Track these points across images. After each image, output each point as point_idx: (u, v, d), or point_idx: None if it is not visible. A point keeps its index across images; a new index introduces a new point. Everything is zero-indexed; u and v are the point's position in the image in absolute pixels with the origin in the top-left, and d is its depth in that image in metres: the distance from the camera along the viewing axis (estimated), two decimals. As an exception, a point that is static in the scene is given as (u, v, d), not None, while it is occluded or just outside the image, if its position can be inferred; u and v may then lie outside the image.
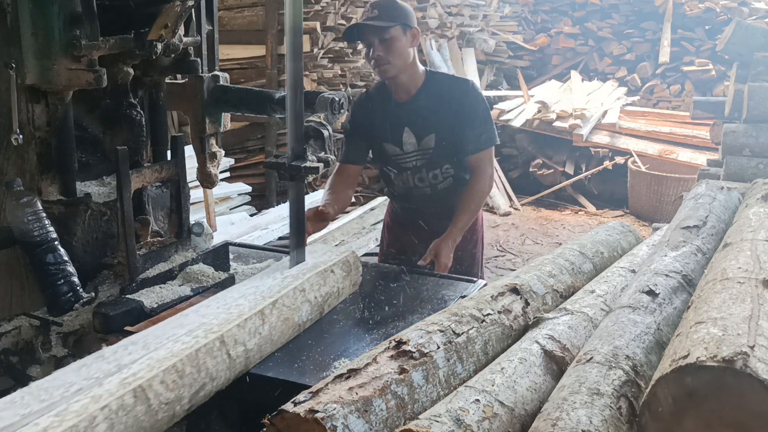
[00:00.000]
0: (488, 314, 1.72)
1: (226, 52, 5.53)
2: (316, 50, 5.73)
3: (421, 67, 2.77)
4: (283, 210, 5.07)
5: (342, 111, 2.11)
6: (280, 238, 4.69)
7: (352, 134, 2.87)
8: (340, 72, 6.14)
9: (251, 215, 5.30)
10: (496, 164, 2.78)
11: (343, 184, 2.82)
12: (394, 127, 2.76)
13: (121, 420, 1.27)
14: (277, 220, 4.91)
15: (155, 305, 1.92)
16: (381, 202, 5.38)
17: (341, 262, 2.16)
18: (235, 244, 2.64)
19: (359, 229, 4.50)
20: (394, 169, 2.83)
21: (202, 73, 2.17)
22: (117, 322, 1.81)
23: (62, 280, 1.85)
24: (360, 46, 2.93)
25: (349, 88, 6.24)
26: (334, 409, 1.28)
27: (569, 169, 7.34)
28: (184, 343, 1.51)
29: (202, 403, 1.54)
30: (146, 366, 1.39)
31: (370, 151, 2.89)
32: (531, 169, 7.53)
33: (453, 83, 2.82)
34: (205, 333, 1.57)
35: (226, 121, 2.28)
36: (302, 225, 2.19)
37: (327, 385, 1.38)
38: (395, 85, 2.75)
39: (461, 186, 2.79)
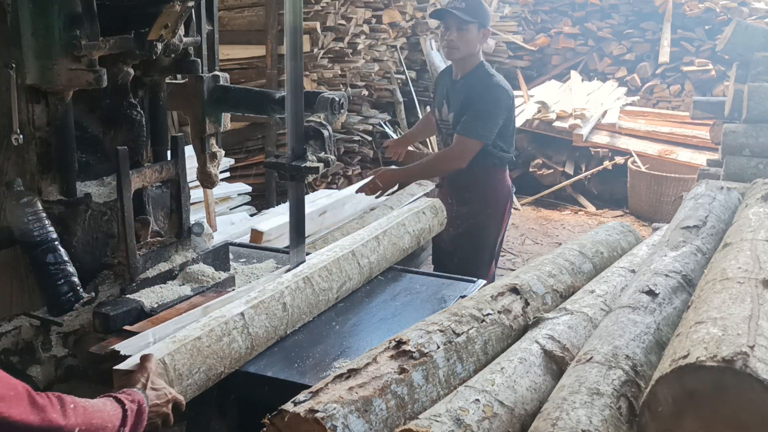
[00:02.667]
0: (488, 314, 1.72)
1: (226, 52, 5.53)
2: (316, 50, 5.72)
3: (479, 59, 3.25)
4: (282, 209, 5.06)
5: (342, 111, 2.11)
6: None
7: (434, 94, 3.54)
8: (340, 72, 6.13)
9: (251, 215, 5.30)
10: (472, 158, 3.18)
11: (421, 125, 3.65)
12: (440, 98, 3.38)
13: (297, 295, 1.99)
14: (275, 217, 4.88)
15: (155, 305, 1.92)
16: (382, 202, 5.36)
17: (430, 206, 2.79)
18: (235, 244, 2.64)
19: (357, 230, 4.50)
20: (439, 131, 3.47)
21: (202, 73, 2.17)
22: (117, 322, 1.81)
23: (62, 280, 1.84)
24: (441, 28, 3.34)
25: (349, 88, 6.24)
26: (334, 408, 1.28)
27: (569, 169, 7.33)
28: (329, 255, 2.21)
29: (345, 296, 2.21)
30: (307, 267, 2.13)
31: None
32: (531, 169, 7.53)
33: (486, 79, 3.21)
34: (341, 249, 2.27)
35: (226, 121, 2.28)
36: (302, 225, 2.19)
37: (327, 385, 1.38)
38: (456, 66, 3.30)
39: (470, 165, 3.17)
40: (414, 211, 2.69)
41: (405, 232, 2.56)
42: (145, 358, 1.54)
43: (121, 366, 1.55)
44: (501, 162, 3.28)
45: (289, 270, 2.15)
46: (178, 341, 1.63)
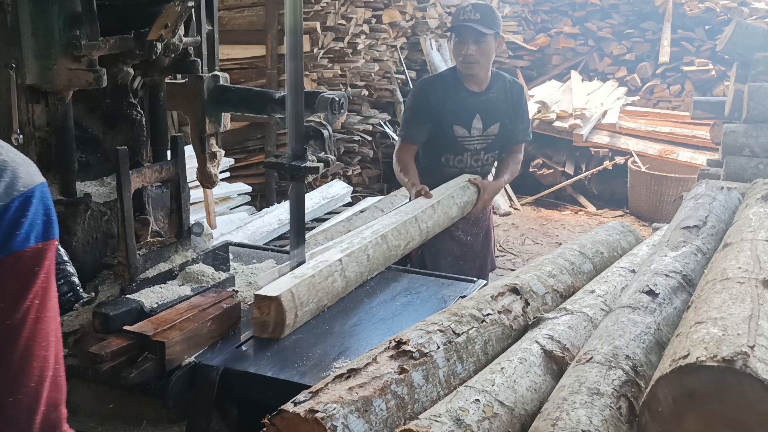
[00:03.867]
0: (488, 314, 1.72)
1: (226, 52, 5.53)
2: (316, 50, 5.72)
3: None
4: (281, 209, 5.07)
5: (342, 111, 2.12)
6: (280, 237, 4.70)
7: (417, 115, 3.19)
8: (340, 72, 6.13)
9: (251, 215, 5.30)
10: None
11: (410, 162, 3.20)
12: (466, 113, 3.14)
13: (377, 249, 2.37)
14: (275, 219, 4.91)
15: (155, 305, 1.92)
16: (372, 204, 5.37)
17: (473, 183, 3.13)
18: (235, 244, 2.64)
19: (344, 232, 4.52)
20: (456, 150, 3.19)
21: (202, 73, 2.17)
22: (117, 322, 1.81)
23: (62, 280, 1.84)
24: (452, 40, 3.20)
25: (349, 88, 6.24)
26: (334, 409, 1.28)
27: (569, 169, 7.33)
28: (397, 218, 2.62)
29: (408, 252, 2.68)
30: (382, 227, 2.51)
31: (430, 132, 3.18)
32: (531, 169, 7.53)
33: (513, 83, 3.29)
34: (405, 214, 2.68)
35: (226, 121, 2.28)
36: (302, 225, 2.19)
37: (327, 385, 1.38)
38: (470, 78, 3.15)
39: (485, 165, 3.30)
40: (460, 186, 3.06)
41: (453, 203, 2.96)
42: None
43: (260, 292, 1.95)
44: None
45: (292, 268, 2.16)
46: (298, 277, 2.02)
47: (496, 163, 3.44)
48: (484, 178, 3.26)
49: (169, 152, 2.22)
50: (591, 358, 1.44)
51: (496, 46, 3.12)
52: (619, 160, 7.13)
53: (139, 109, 2.14)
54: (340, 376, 1.40)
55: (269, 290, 1.94)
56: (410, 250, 2.65)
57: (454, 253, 3.19)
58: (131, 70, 2.03)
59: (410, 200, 3.00)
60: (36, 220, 1.00)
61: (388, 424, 1.34)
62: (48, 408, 1.02)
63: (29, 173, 1.01)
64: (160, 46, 1.95)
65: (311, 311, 2.03)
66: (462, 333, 1.61)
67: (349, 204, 5.71)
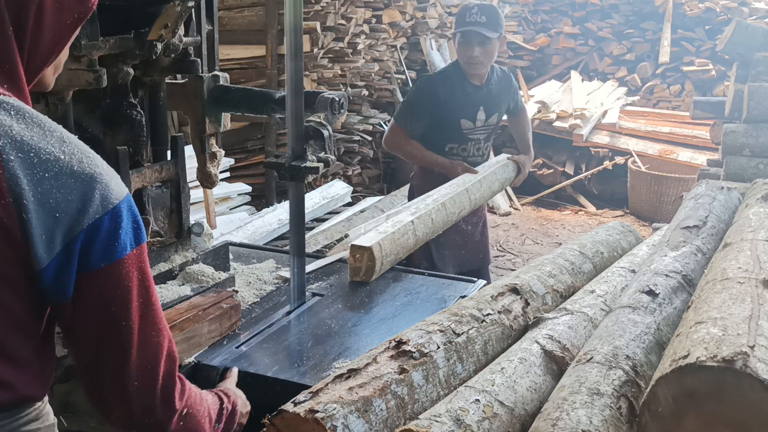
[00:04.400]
0: (488, 314, 1.72)
1: (226, 52, 5.53)
2: (316, 50, 5.72)
3: None
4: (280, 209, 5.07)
5: (342, 111, 2.11)
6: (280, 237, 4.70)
7: (419, 110, 3.31)
8: (340, 72, 6.13)
9: (251, 215, 5.30)
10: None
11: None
12: (471, 106, 3.31)
13: (438, 214, 2.82)
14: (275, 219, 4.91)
15: (155, 305, 1.92)
16: (372, 203, 5.37)
17: (512, 162, 3.58)
18: (235, 244, 2.64)
19: (344, 232, 4.53)
20: (460, 141, 3.34)
21: (202, 73, 2.16)
22: (117, 322, 1.80)
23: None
24: (456, 39, 3.29)
25: (349, 88, 6.24)
26: (334, 409, 1.28)
27: (569, 169, 7.33)
28: (450, 190, 3.02)
29: (463, 216, 3.12)
30: (441, 195, 2.95)
31: (431, 126, 3.31)
32: (531, 169, 7.52)
33: (505, 72, 3.50)
34: (458, 186, 3.07)
35: (226, 121, 2.28)
36: (302, 225, 2.19)
37: (327, 385, 1.38)
38: (474, 74, 3.29)
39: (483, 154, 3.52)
40: (501, 164, 3.48)
41: (496, 179, 3.37)
42: (228, 372, 1.68)
43: (356, 242, 2.33)
44: None
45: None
46: (382, 232, 2.42)
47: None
48: (484, 161, 3.46)
49: (169, 152, 2.21)
50: (591, 358, 1.44)
51: (500, 45, 3.25)
52: (619, 160, 7.13)
53: (139, 109, 2.14)
54: (340, 376, 1.40)
55: (363, 241, 2.33)
56: (462, 217, 3.05)
57: (456, 243, 3.33)
58: (131, 70, 2.03)
59: (450, 179, 3.19)
60: (128, 228, 1.09)
61: (388, 424, 1.34)
62: (165, 378, 1.19)
63: (118, 185, 1.09)
64: (160, 46, 1.95)
65: (391, 261, 2.43)
66: (462, 333, 1.61)
67: (349, 204, 5.72)
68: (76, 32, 1.17)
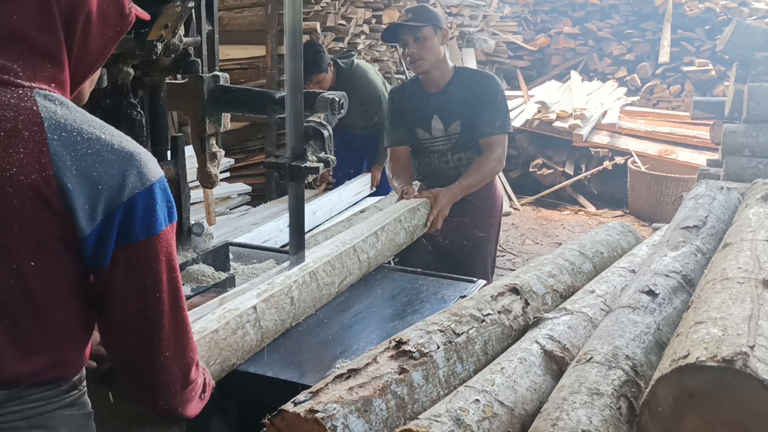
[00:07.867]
0: (488, 314, 1.72)
1: (226, 52, 5.53)
2: (316, 50, 5.72)
3: (451, 64, 3.12)
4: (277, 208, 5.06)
5: (342, 111, 2.11)
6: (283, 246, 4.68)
7: (394, 120, 3.20)
8: (340, 72, 6.13)
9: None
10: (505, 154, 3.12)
11: (401, 167, 3.16)
12: (424, 115, 3.10)
13: (304, 290, 2.01)
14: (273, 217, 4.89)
15: (155, 305, 1.91)
16: (372, 204, 5.36)
17: (423, 203, 2.84)
18: (235, 244, 2.64)
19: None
20: (422, 153, 3.16)
21: (202, 73, 2.17)
22: (117, 322, 1.80)
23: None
24: (398, 49, 3.24)
25: (349, 88, 6.23)
26: (334, 409, 1.28)
27: (569, 169, 7.34)
28: (332, 249, 2.23)
29: (345, 289, 2.24)
30: (312, 261, 2.12)
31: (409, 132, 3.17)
32: (531, 169, 7.53)
33: (476, 75, 3.18)
34: (342, 243, 2.29)
35: (226, 121, 2.28)
36: (302, 225, 2.19)
37: (327, 385, 1.38)
38: (427, 79, 3.09)
39: None
40: (409, 207, 2.75)
41: (401, 228, 2.62)
42: None
43: None
44: None
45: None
46: (197, 333, 1.63)
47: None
48: (461, 174, 3.04)
49: (169, 152, 2.22)
50: (591, 358, 1.44)
51: (440, 39, 3.01)
52: (619, 160, 7.13)
53: (139, 110, 2.14)
54: (340, 376, 1.40)
55: None
56: (347, 287, 2.25)
57: (464, 249, 3.13)
58: (131, 70, 2.03)
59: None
60: (163, 206, 1.15)
61: (388, 424, 1.34)
62: (192, 351, 1.27)
63: (155, 166, 1.17)
64: (160, 46, 1.95)
65: (213, 376, 1.62)
66: (462, 333, 1.61)
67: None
68: (115, 46, 1.22)
